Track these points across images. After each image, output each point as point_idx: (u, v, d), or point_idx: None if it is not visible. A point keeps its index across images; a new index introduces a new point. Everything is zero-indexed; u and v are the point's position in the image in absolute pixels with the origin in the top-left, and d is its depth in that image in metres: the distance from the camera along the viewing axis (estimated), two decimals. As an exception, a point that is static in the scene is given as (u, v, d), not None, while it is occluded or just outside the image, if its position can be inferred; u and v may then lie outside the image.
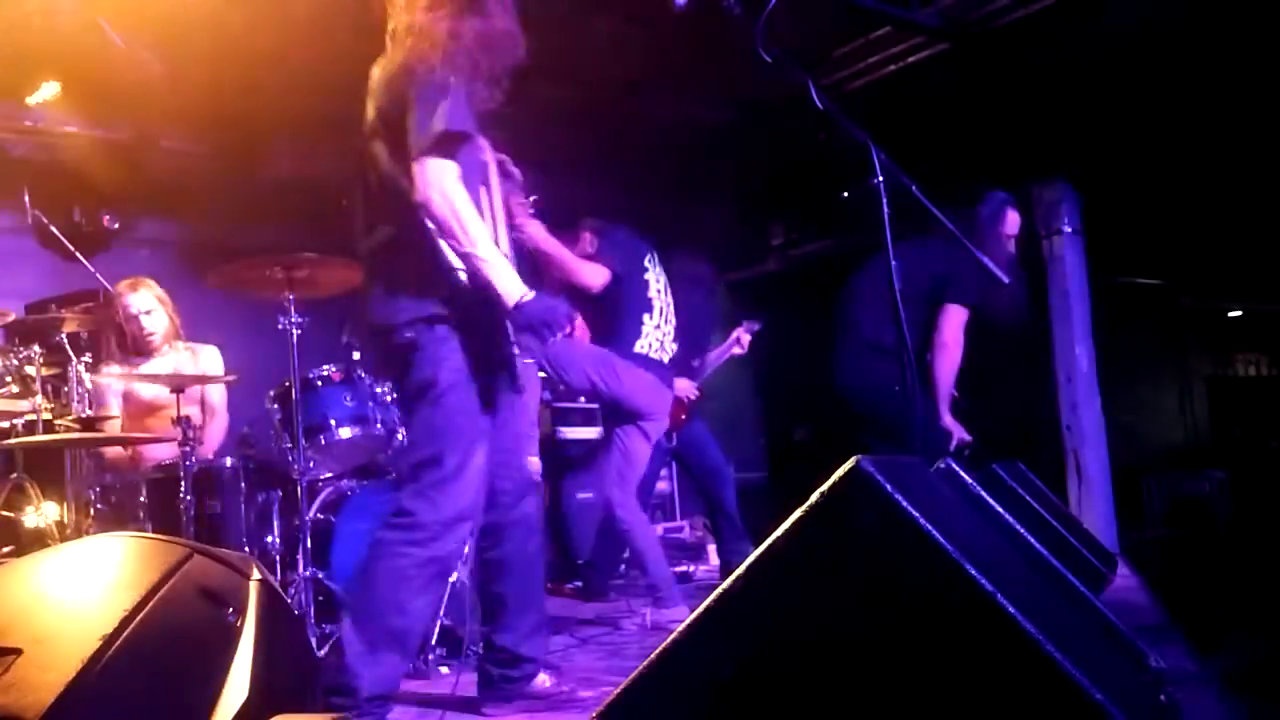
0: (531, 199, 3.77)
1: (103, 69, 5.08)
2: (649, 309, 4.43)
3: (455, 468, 2.63)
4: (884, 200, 2.81)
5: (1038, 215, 5.81)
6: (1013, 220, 4.51)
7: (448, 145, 2.55)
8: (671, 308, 4.57)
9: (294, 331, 3.68)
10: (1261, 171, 6.41)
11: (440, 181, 2.54)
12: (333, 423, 3.93)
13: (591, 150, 7.11)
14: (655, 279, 4.55)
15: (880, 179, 2.80)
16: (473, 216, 2.58)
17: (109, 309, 4.46)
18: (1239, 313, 11.46)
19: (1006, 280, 3.83)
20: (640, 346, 4.38)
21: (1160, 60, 5.15)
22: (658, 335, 4.46)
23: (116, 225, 6.12)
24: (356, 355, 4.11)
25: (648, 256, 4.54)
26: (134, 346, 4.48)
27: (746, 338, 5.66)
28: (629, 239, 4.56)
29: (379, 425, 3.98)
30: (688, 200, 7.16)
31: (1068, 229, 5.74)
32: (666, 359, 4.49)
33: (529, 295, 2.60)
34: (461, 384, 2.66)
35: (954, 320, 4.31)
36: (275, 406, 4.00)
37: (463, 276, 2.65)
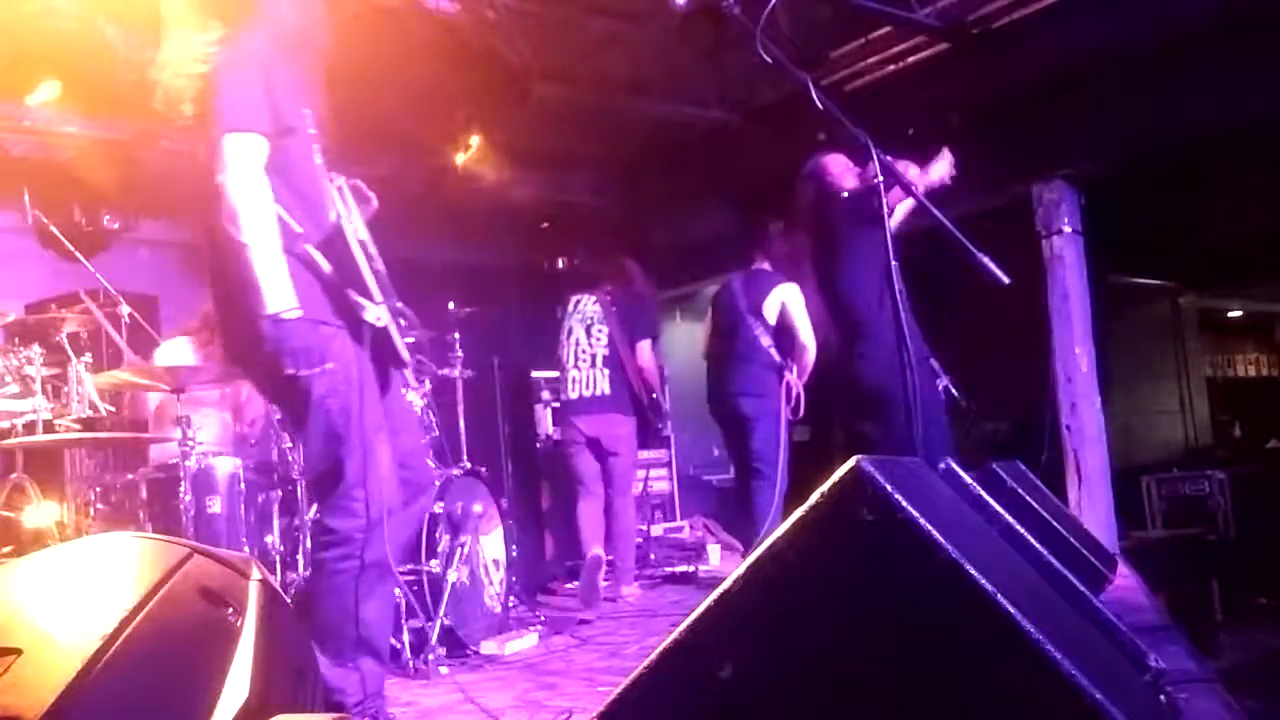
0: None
1: (103, 69, 5.07)
2: (561, 366, 5.17)
3: (358, 471, 2.51)
4: (884, 200, 2.81)
5: (1038, 215, 5.80)
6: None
7: (252, 123, 2.43)
8: (585, 339, 5.09)
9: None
10: (1261, 171, 6.42)
11: (239, 162, 2.40)
12: (332, 423, 3.92)
13: (591, 150, 7.11)
14: (566, 329, 5.16)
15: (880, 179, 2.80)
16: (261, 206, 2.40)
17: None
18: (1239, 313, 11.47)
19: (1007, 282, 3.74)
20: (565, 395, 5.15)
21: (1160, 59, 5.15)
22: (576, 375, 5.08)
23: (116, 225, 6.10)
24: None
25: (564, 325, 5.17)
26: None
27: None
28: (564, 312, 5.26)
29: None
30: (688, 200, 7.15)
31: (1068, 229, 5.72)
32: (594, 389, 5.04)
33: (292, 313, 2.38)
34: (341, 384, 2.50)
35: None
36: (275, 406, 3.99)
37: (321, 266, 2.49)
